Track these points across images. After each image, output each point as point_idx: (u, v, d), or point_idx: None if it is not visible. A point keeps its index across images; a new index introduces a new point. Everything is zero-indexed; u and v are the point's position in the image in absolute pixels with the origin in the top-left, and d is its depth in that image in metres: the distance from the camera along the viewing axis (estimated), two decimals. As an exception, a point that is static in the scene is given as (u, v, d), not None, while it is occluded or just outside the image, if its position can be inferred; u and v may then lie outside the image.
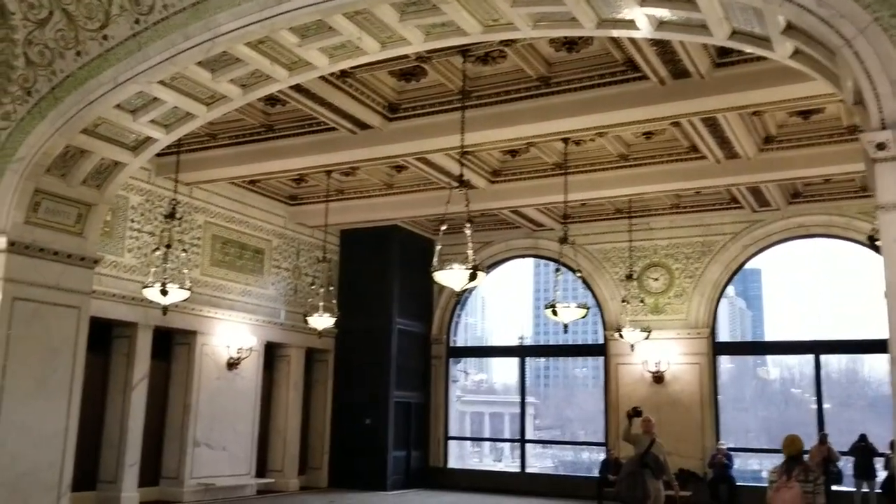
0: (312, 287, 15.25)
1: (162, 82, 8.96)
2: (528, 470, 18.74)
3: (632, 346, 15.52)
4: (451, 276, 9.23)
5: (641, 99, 10.65)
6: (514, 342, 45.00)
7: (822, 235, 16.09)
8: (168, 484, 14.44)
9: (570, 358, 56.96)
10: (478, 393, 48.12)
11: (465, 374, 20.08)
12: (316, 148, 12.75)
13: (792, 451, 6.79)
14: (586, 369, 62.16)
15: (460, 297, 19.09)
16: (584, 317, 12.54)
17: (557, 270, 12.72)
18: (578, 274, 13.56)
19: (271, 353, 16.92)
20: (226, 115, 12.37)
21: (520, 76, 10.95)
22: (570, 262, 17.54)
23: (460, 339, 20.02)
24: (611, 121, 11.21)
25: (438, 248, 9.72)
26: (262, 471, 16.45)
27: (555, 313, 12.38)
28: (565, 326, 12.56)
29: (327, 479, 17.57)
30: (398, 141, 12.18)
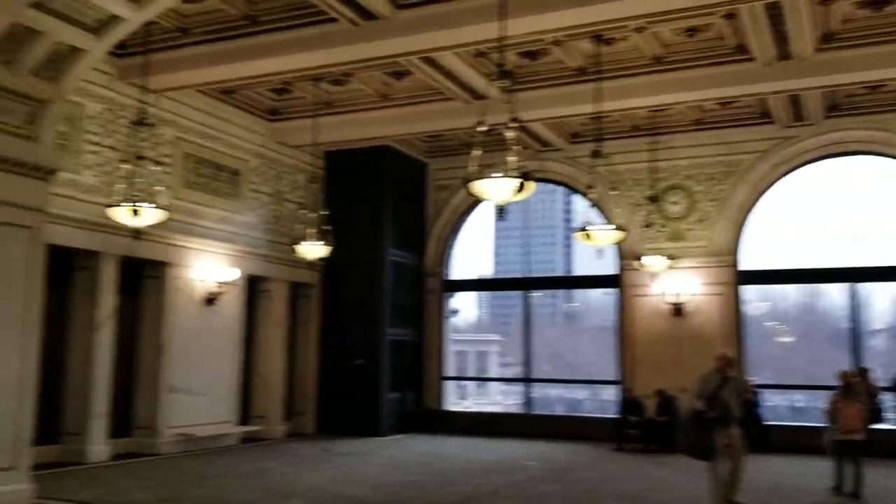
0: (302, 211, 13.34)
1: (131, -66, 7.04)
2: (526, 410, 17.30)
3: (653, 275, 14.09)
4: (494, 186, 7.50)
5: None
6: (474, 277, 43.54)
7: (860, 153, 14.70)
8: (142, 434, 12.74)
9: (536, 292, 55.78)
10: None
11: (455, 313, 18.44)
12: (309, 44, 10.79)
13: (848, 379, 9.36)
14: (552, 305, 60.90)
15: (456, 226, 17.53)
16: (623, 241, 11.00)
17: (590, 188, 11.10)
18: (613, 192, 11.96)
19: (252, 289, 15.13)
20: (201, 5, 10.49)
21: (564, -52, 9.16)
22: (578, 185, 15.97)
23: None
24: (668, 6, 9.50)
25: (474, 153, 8.06)
26: (244, 417, 14.82)
27: (588, 237, 10.83)
28: (600, 251, 11.07)
29: (315, 425, 16.04)
30: (409, 33, 10.30)
